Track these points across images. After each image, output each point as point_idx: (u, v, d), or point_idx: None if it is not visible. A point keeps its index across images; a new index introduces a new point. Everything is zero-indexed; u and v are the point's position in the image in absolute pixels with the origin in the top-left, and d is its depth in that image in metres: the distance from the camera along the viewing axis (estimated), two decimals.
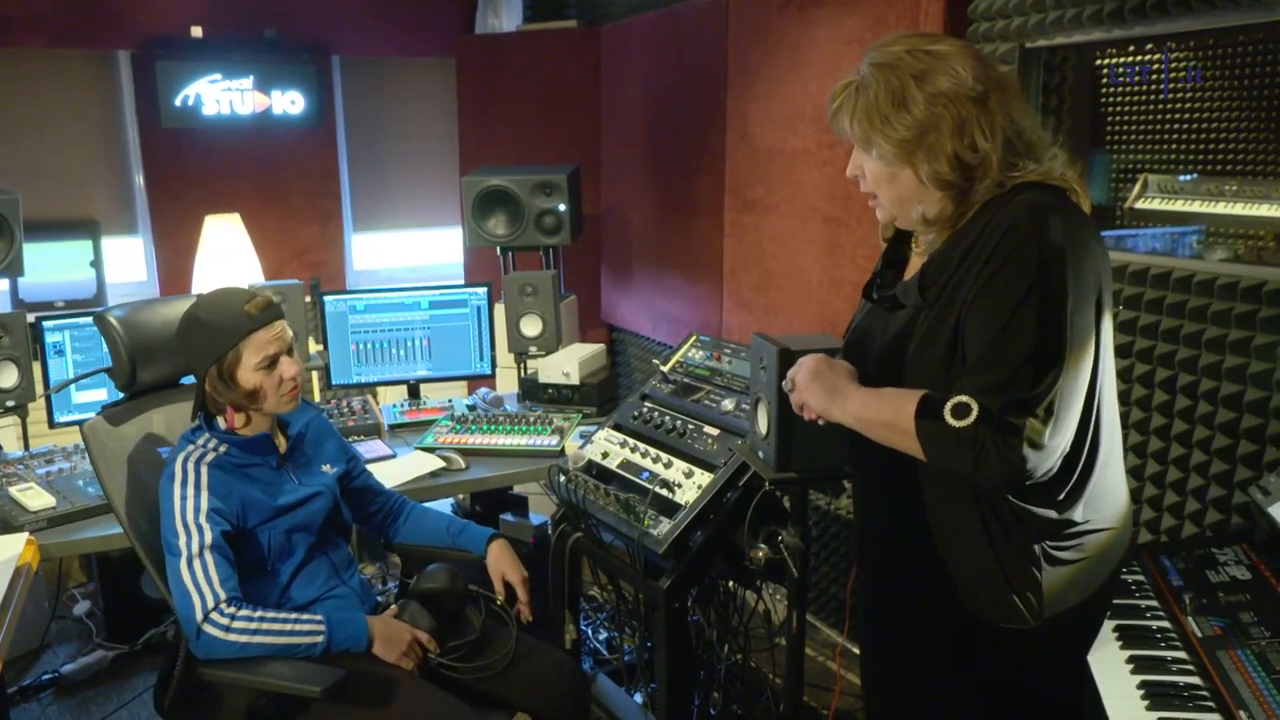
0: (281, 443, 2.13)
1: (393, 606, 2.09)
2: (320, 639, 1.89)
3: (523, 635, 2.15)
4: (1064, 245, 1.38)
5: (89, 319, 2.88)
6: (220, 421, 2.05)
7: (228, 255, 4.12)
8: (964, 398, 1.37)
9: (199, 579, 1.87)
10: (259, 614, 1.87)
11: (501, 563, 2.23)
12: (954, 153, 1.44)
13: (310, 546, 2.06)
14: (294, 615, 1.91)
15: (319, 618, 1.91)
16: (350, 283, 4.85)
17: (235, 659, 1.85)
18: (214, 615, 1.84)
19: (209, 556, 1.88)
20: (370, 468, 2.43)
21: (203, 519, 1.91)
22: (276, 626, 1.87)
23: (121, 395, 2.25)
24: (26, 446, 2.90)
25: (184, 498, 1.93)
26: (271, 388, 2.01)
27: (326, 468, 2.19)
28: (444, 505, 3.57)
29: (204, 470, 1.97)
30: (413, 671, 1.96)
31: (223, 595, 1.86)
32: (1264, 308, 1.88)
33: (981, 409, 1.36)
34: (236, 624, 1.84)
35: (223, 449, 2.02)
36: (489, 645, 2.12)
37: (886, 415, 1.48)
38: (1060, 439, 1.39)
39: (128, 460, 2.15)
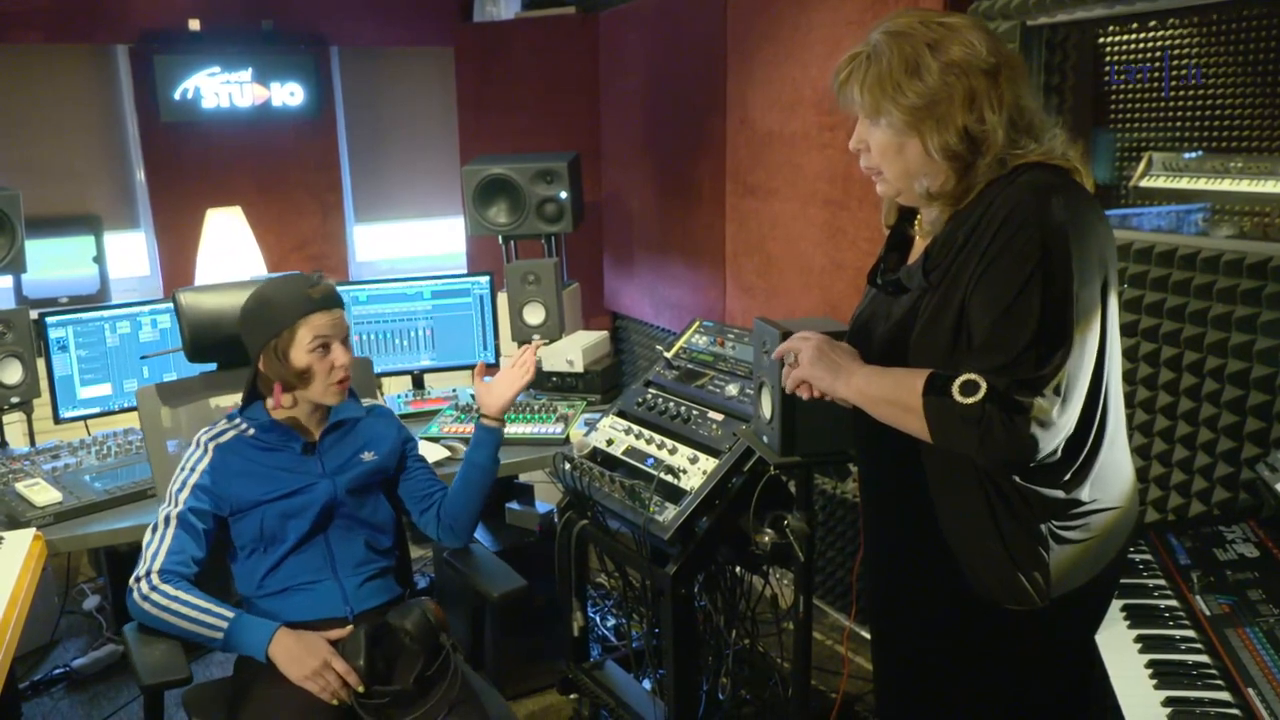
0: (314, 432, 2.13)
1: (349, 627, 2.01)
2: (219, 635, 1.91)
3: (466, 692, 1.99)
4: (1067, 224, 1.37)
5: (92, 314, 2.92)
6: (269, 402, 2.07)
7: (230, 249, 4.11)
8: (972, 375, 1.37)
9: (152, 543, 1.98)
10: (177, 594, 1.92)
11: (497, 383, 2.27)
12: (963, 124, 1.43)
13: (302, 535, 2.06)
14: (210, 606, 1.92)
15: (230, 614, 1.92)
16: (352, 274, 4.85)
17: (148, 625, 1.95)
18: (141, 581, 1.94)
19: (171, 527, 1.99)
20: None
21: (185, 491, 2.01)
22: (186, 610, 1.91)
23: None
24: (32, 442, 2.90)
25: (182, 469, 2.04)
26: (322, 372, 2.03)
27: (367, 454, 2.16)
28: None
29: (211, 449, 2.05)
30: (331, 701, 1.88)
31: (156, 566, 1.95)
32: (1269, 283, 1.87)
33: (989, 387, 1.36)
34: (153, 596, 1.92)
35: (250, 432, 2.07)
36: (427, 701, 1.95)
37: (891, 391, 1.48)
38: (1068, 418, 1.38)
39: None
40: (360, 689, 1.90)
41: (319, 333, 2.02)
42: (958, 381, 1.38)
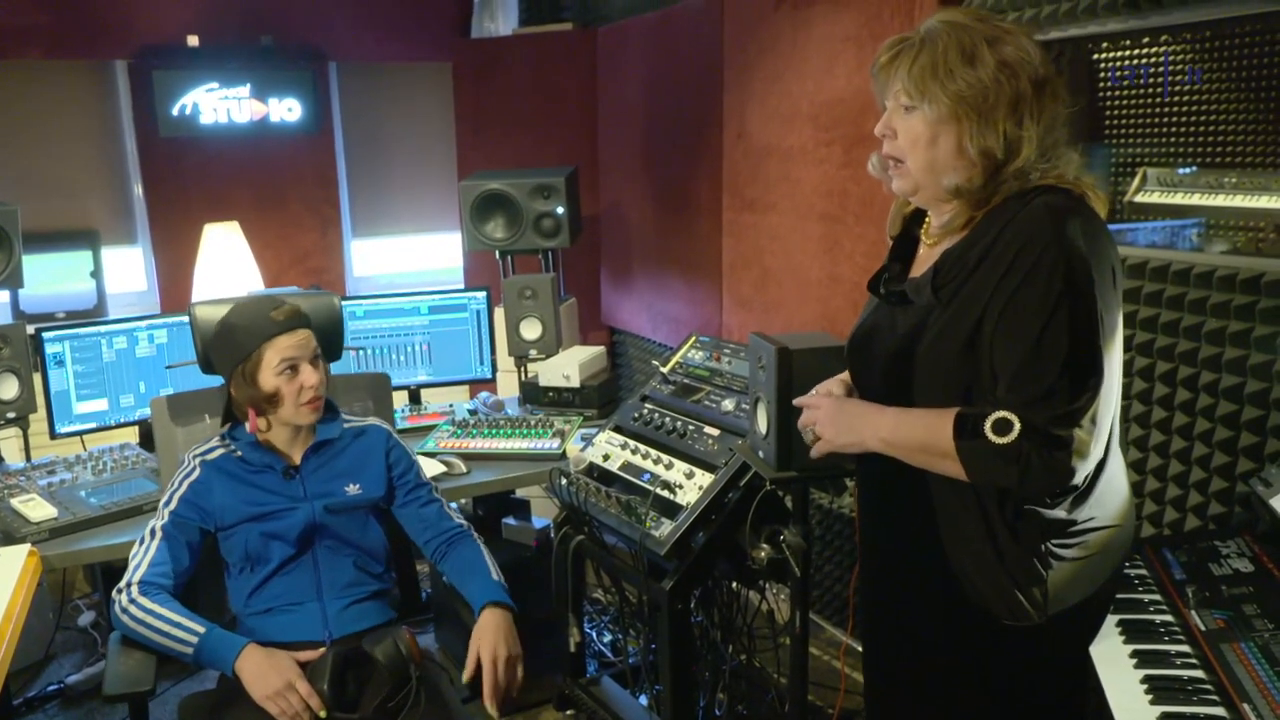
0: (296, 454, 2.12)
1: (321, 650, 1.98)
2: (189, 650, 1.90)
3: None
4: (1086, 248, 1.37)
5: (89, 329, 2.91)
6: (246, 426, 2.08)
7: (227, 264, 4.12)
8: (1003, 413, 1.36)
9: (137, 554, 2.01)
10: (153, 606, 1.93)
11: (482, 634, 2.00)
12: (1004, 128, 1.43)
13: (287, 556, 2.06)
14: (182, 620, 1.92)
15: (201, 629, 1.91)
16: (350, 289, 4.86)
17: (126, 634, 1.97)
18: (123, 591, 1.96)
19: (156, 539, 2.02)
20: None
21: (171, 505, 2.04)
22: (159, 624, 1.92)
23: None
24: (28, 458, 2.89)
25: (171, 484, 2.07)
26: (291, 394, 2.03)
27: (351, 487, 2.13)
28: None
29: (198, 465, 2.08)
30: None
31: (136, 577, 1.97)
32: (1263, 299, 1.88)
33: (1024, 423, 1.35)
34: (131, 608, 1.94)
35: (237, 453, 2.09)
36: None
37: (921, 438, 1.47)
38: (1100, 445, 1.39)
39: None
40: (322, 713, 1.88)
41: (284, 355, 2.01)
42: (989, 421, 1.37)
